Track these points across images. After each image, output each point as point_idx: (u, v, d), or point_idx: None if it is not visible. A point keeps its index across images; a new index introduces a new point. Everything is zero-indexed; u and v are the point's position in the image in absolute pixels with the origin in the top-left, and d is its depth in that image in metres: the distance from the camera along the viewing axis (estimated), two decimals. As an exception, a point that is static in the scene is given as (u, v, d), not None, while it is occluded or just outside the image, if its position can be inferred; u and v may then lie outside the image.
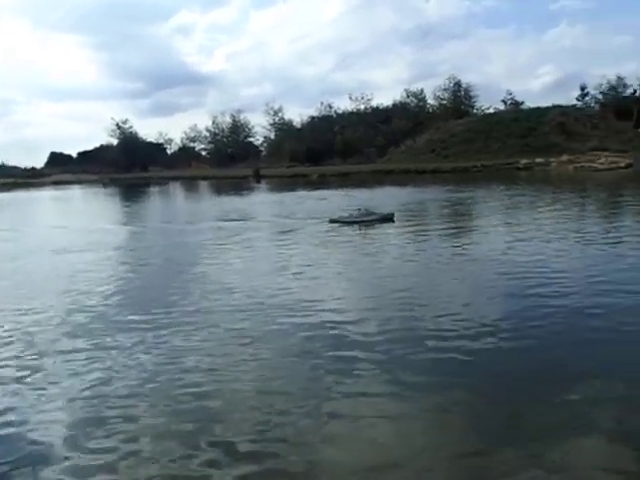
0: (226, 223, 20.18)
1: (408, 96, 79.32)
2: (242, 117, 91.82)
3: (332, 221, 18.09)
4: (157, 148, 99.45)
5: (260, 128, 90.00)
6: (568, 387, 5.24)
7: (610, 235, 13.81)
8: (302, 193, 34.86)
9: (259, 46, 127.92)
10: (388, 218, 17.85)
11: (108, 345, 7.03)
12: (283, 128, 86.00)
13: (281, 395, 5.39)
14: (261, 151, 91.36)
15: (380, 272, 10.90)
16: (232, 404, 5.29)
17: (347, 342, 6.73)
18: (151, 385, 5.75)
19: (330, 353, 6.38)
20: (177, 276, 11.32)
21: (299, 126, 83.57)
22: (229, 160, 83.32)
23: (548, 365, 5.82)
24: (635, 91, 65.51)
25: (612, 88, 67.82)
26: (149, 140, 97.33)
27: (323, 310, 8.12)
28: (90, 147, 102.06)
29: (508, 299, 8.44)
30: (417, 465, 4.16)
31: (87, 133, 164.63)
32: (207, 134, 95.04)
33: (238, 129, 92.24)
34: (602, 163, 41.93)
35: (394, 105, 78.85)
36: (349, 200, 26.56)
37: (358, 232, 16.60)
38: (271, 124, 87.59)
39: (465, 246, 13.39)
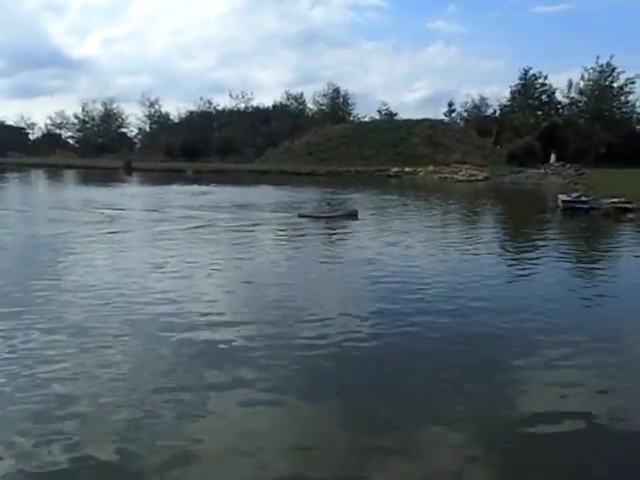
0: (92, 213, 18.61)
1: (288, 98, 79.99)
2: (115, 106, 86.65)
3: (300, 215, 17.94)
4: (17, 132, 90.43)
5: (135, 119, 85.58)
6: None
7: (469, 238, 14.71)
8: (177, 188, 33.34)
9: (138, 34, 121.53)
10: (352, 214, 18.02)
11: None
12: (159, 121, 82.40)
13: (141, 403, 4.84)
14: (135, 143, 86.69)
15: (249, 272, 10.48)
16: (95, 408, 4.73)
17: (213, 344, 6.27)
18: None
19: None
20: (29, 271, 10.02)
21: (176, 120, 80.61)
22: (99, 150, 77.90)
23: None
24: (495, 111, 72.05)
25: (475, 107, 73.88)
26: (8, 123, 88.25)
27: (190, 312, 7.51)
28: None
29: (369, 303, 8.44)
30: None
31: None
32: (76, 121, 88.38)
33: (110, 118, 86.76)
34: (463, 175, 45.36)
35: (274, 106, 78.97)
36: (226, 195, 25.97)
37: (322, 226, 16.47)
38: (147, 115, 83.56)
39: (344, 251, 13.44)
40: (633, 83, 60.52)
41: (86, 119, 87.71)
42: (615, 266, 11.80)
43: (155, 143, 75.05)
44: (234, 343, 6.27)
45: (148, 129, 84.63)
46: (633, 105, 62.97)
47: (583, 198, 20.96)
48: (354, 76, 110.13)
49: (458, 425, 4.52)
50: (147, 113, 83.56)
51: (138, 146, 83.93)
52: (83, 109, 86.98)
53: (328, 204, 18.81)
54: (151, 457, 4.03)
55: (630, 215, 17.82)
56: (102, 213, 18.90)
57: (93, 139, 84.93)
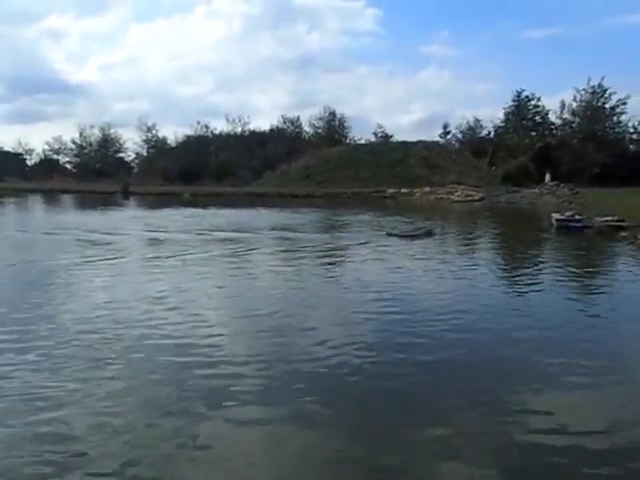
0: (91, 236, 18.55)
1: (285, 122, 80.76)
2: (113, 131, 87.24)
3: (389, 234, 19.10)
4: (15, 158, 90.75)
5: (132, 144, 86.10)
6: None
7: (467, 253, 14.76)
8: (173, 211, 33.42)
9: (135, 60, 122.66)
10: (430, 232, 19.32)
11: None
12: (157, 145, 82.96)
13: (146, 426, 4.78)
14: (133, 167, 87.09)
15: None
16: (93, 436, 4.64)
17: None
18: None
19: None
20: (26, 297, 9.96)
21: (174, 144, 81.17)
22: (97, 175, 78.15)
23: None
24: (489, 133, 72.85)
25: (470, 128, 74.74)
26: (6, 149, 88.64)
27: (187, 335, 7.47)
28: None
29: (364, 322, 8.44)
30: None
31: None
32: (73, 146, 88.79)
33: (108, 143, 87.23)
34: (459, 195, 45.63)
35: (271, 130, 79.66)
36: (219, 219, 26.03)
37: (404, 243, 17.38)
38: (144, 140, 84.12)
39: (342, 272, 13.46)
40: (625, 104, 61.38)
41: (84, 144, 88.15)
42: (610, 283, 11.82)
43: (152, 167, 75.43)
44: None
45: (145, 153, 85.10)
46: (625, 125, 63.78)
47: (577, 217, 21.10)
48: (350, 99, 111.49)
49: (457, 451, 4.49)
50: (144, 138, 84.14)
51: (135, 170, 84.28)
52: (81, 134, 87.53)
53: (412, 224, 20.35)
54: None
55: (623, 233, 17.92)
56: (93, 239, 18.83)
57: (91, 164, 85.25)
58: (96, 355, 6.51)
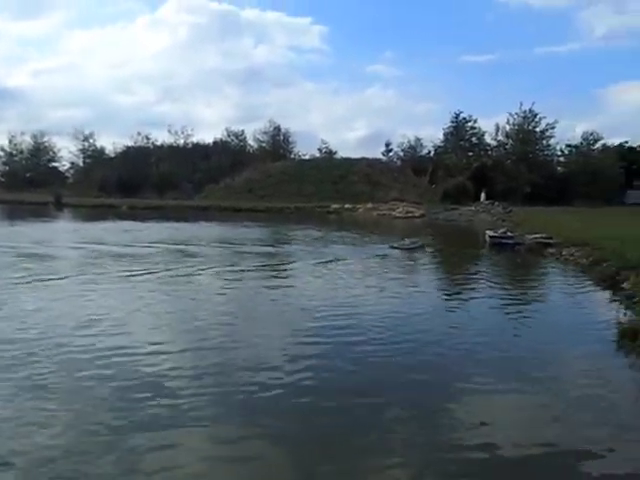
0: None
1: (229, 135, 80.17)
2: (46, 139, 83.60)
3: (392, 247, 20.19)
4: None
5: (67, 153, 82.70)
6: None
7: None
8: (108, 225, 32.30)
9: (73, 67, 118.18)
10: (422, 246, 20.84)
11: None
12: (94, 155, 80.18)
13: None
14: (67, 178, 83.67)
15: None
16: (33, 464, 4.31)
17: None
18: None
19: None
20: None
21: (112, 155, 78.75)
22: (27, 184, 74.58)
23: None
24: (429, 152, 75.11)
25: (411, 147, 76.74)
26: None
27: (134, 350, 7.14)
28: None
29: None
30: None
31: None
32: (2, 154, 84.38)
33: (40, 152, 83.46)
34: (400, 212, 46.70)
35: (215, 143, 78.80)
36: (166, 232, 25.37)
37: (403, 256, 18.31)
38: (80, 150, 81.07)
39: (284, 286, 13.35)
40: (553, 128, 65.02)
41: (13, 152, 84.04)
42: (538, 295, 12.39)
43: (89, 178, 72.76)
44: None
45: (82, 163, 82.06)
46: (554, 148, 67.63)
47: (509, 234, 22.02)
48: (296, 114, 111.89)
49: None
50: (80, 147, 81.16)
51: (70, 181, 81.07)
52: (10, 141, 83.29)
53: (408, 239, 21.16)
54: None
55: (550, 250, 18.83)
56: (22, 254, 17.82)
57: (21, 173, 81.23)
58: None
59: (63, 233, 26.14)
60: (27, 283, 11.81)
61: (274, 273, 15.00)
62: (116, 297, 10.61)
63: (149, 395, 5.67)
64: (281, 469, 4.42)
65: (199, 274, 13.89)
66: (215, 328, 8.38)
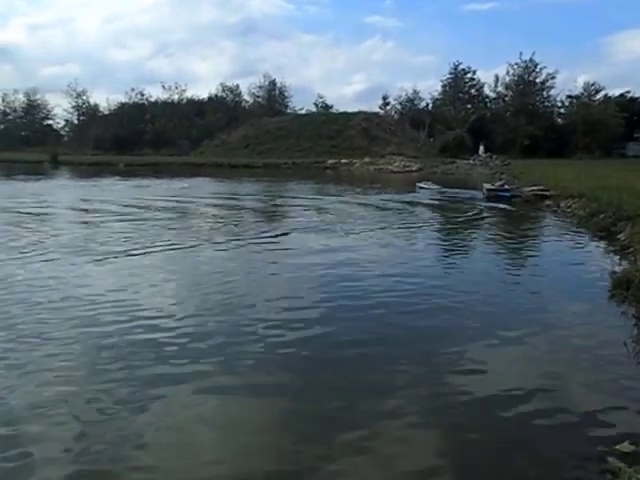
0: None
1: (224, 90, 78.94)
2: (39, 97, 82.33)
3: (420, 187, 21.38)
4: None
5: (61, 111, 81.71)
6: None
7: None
8: (108, 182, 32.21)
9: (65, 22, 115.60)
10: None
11: None
12: (88, 112, 79.09)
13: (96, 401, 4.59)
14: (62, 136, 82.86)
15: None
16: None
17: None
18: None
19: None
20: None
21: (106, 112, 77.63)
22: (22, 143, 73.98)
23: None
24: (427, 105, 74.12)
25: (409, 100, 75.73)
26: None
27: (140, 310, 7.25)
28: None
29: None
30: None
31: None
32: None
33: (34, 110, 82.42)
34: (397, 166, 46.51)
35: (210, 98, 77.68)
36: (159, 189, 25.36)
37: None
38: (74, 107, 79.95)
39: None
40: (553, 78, 64.02)
41: (7, 110, 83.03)
42: (536, 246, 12.58)
43: (84, 135, 72.13)
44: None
45: (76, 121, 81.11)
46: (554, 99, 66.69)
47: (506, 186, 22.08)
48: (293, 68, 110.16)
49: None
50: (74, 104, 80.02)
51: (66, 139, 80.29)
52: (3, 100, 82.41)
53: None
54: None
55: (547, 202, 18.95)
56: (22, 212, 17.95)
57: (15, 131, 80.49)
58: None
59: (63, 191, 26.09)
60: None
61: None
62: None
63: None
64: (296, 403, 4.62)
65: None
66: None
